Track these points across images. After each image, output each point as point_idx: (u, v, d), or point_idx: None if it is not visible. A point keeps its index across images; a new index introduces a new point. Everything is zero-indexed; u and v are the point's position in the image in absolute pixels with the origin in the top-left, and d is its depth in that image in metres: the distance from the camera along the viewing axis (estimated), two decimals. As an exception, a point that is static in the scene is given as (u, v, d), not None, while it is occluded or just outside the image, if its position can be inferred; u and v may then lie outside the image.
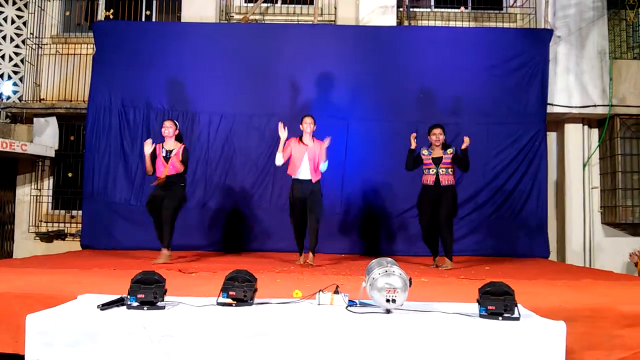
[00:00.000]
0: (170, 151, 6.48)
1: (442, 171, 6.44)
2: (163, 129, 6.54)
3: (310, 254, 6.52)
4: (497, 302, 3.04)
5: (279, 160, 6.50)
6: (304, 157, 6.47)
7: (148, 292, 3.10)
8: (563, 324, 2.94)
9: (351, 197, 8.19)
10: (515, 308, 3.04)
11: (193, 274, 5.22)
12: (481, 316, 3.06)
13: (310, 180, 6.49)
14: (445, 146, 6.54)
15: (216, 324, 2.97)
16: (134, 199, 8.22)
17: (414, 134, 6.57)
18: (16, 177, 9.50)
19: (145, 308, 3.08)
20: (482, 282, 4.57)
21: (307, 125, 6.52)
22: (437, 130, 6.53)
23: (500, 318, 3.02)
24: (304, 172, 6.49)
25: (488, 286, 3.11)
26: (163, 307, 3.11)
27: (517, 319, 3.01)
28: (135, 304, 3.09)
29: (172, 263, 6.26)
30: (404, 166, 6.63)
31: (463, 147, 6.28)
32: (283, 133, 6.43)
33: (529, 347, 2.88)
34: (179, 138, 6.64)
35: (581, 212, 8.88)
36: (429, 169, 6.51)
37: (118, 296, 3.22)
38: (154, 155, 6.46)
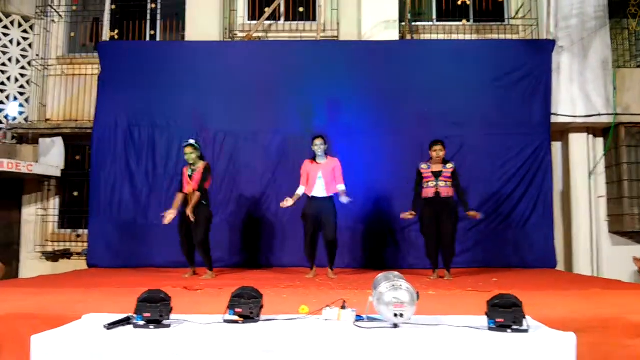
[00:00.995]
0: (194, 170, 6.68)
1: (442, 184, 6.53)
2: (185, 156, 6.73)
3: (329, 269, 6.83)
4: (506, 315, 3.00)
5: (301, 191, 6.78)
6: (318, 176, 6.68)
7: (154, 310, 3.07)
8: (573, 335, 2.90)
9: (356, 211, 8.15)
10: (524, 320, 3.01)
11: (199, 290, 5.20)
12: (490, 329, 3.03)
13: (325, 198, 6.69)
14: (444, 161, 6.62)
15: (223, 342, 2.94)
16: (140, 217, 8.22)
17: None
18: (22, 197, 9.54)
19: (151, 327, 3.06)
20: (490, 294, 4.55)
21: (317, 147, 6.75)
22: (438, 147, 6.60)
23: (509, 330, 2.98)
24: (317, 189, 6.71)
25: (496, 298, 3.08)
26: (169, 326, 3.09)
27: (526, 331, 2.98)
28: (141, 323, 3.07)
29: (178, 280, 6.26)
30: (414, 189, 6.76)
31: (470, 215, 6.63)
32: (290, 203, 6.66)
33: (539, 359, 2.85)
34: (201, 157, 6.84)
35: (588, 221, 8.82)
36: (429, 181, 6.59)
37: (124, 315, 3.21)
38: (181, 177, 6.78)
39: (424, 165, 6.66)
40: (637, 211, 8.55)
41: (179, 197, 6.70)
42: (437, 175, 6.55)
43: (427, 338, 2.96)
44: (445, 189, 6.53)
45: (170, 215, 6.53)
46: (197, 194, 6.53)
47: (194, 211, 6.47)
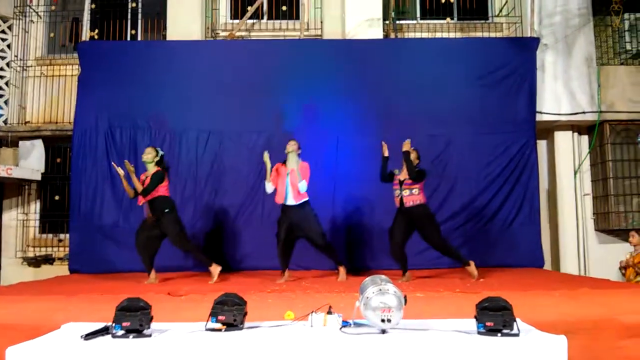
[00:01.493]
0: (147, 177, 6.49)
1: (406, 192, 6.38)
2: (142, 155, 6.58)
3: (341, 270, 6.69)
4: (496, 318, 2.94)
5: (269, 188, 6.59)
6: (287, 182, 6.48)
7: (134, 319, 2.97)
8: (564, 338, 2.85)
9: (342, 212, 8.10)
10: (515, 323, 2.95)
11: (182, 296, 5.09)
12: (479, 333, 2.97)
13: (295, 206, 6.49)
14: None
15: (205, 351, 2.86)
16: (122, 220, 8.08)
17: (384, 143, 6.53)
18: (2, 201, 9.35)
19: (131, 337, 2.96)
20: (478, 295, 4.52)
21: (289, 146, 6.55)
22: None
23: (499, 334, 2.92)
24: (288, 197, 6.53)
25: (485, 302, 3.02)
26: (149, 335, 3.00)
27: (517, 334, 2.92)
28: (120, 332, 2.97)
29: (161, 285, 6.16)
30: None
31: (403, 149, 6.33)
32: (268, 162, 6.46)
33: (530, 363, 2.79)
34: (159, 163, 6.59)
35: (574, 219, 8.85)
36: (395, 189, 6.51)
37: (102, 324, 3.10)
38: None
39: (396, 171, 6.57)
40: (623, 209, 8.58)
41: (128, 188, 6.53)
42: (401, 183, 6.43)
43: (415, 343, 2.89)
44: (410, 197, 6.36)
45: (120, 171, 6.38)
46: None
47: (162, 220, 6.41)
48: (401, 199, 6.40)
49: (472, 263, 6.53)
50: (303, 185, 6.43)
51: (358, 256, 8.05)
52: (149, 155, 6.51)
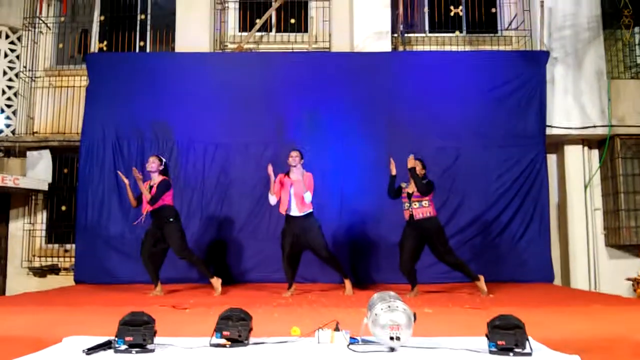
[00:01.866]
0: (152, 185, 6.47)
1: (415, 205, 6.29)
2: (146, 164, 6.53)
3: (347, 283, 6.64)
4: (507, 337, 2.87)
5: (272, 200, 6.55)
6: (290, 192, 6.45)
7: (137, 334, 2.92)
8: (578, 358, 2.77)
9: (349, 226, 8.03)
10: (527, 342, 2.87)
11: (187, 309, 5.03)
12: (491, 352, 2.89)
13: (300, 217, 6.45)
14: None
15: (209, 367, 2.80)
16: (128, 232, 8.04)
17: (392, 160, 6.44)
18: (9, 211, 9.33)
19: (133, 352, 2.90)
20: (488, 311, 4.45)
21: (292, 159, 6.50)
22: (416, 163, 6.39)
23: (511, 354, 2.85)
24: (292, 208, 6.48)
25: (497, 320, 2.94)
26: (152, 350, 2.94)
27: (530, 354, 2.84)
28: (123, 347, 2.92)
29: (166, 298, 6.11)
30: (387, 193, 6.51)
31: (409, 166, 6.26)
32: (272, 174, 6.42)
33: (543, 384, 2.71)
34: (164, 172, 6.59)
35: (584, 234, 8.73)
36: (404, 203, 6.42)
37: (105, 339, 3.04)
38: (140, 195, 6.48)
39: (403, 184, 6.48)
40: (634, 224, 8.46)
41: (132, 201, 6.59)
42: (409, 196, 6.34)
43: (425, 362, 2.82)
44: (420, 210, 6.27)
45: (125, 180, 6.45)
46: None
47: (165, 229, 6.41)
48: (411, 213, 6.32)
49: (481, 278, 6.45)
50: (308, 196, 6.38)
51: (364, 269, 7.97)
52: (153, 165, 6.49)
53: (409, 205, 6.34)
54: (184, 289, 7.02)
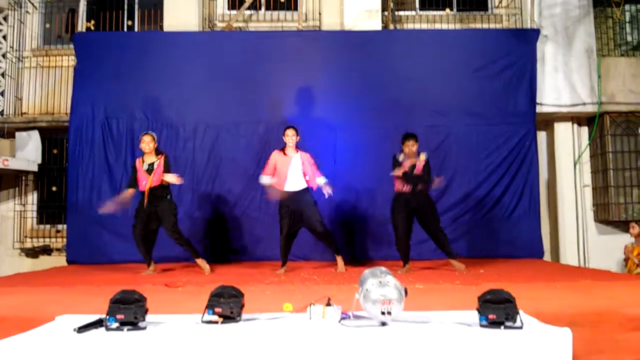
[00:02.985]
0: (152, 164, 6.38)
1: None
2: (142, 144, 6.41)
3: (339, 260, 6.64)
4: (498, 311, 2.89)
5: (266, 180, 6.52)
6: (289, 169, 6.45)
7: (128, 312, 2.91)
8: (569, 331, 2.80)
9: (341, 205, 8.04)
10: (517, 316, 2.90)
11: (179, 288, 5.04)
12: (482, 326, 2.91)
13: (299, 191, 6.46)
14: (418, 153, 6.44)
15: (201, 344, 2.80)
16: (119, 212, 8.00)
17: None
18: (-1, 192, 9.30)
19: (125, 329, 2.90)
20: (479, 286, 4.48)
21: (290, 137, 6.50)
22: (410, 142, 6.39)
23: (502, 327, 2.87)
24: (290, 183, 6.47)
25: (488, 294, 2.96)
26: (144, 328, 2.94)
27: (520, 327, 2.86)
28: (114, 325, 2.91)
29: (159, 276, 6.12)
30: (391, 171, 6.46)
31: (434, 186, 6.44)
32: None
33: (534, 356, 2.74)
34: (157, 151, 6.51)
35: (574, 211, 8.80)
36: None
37: (96, 317, 3.04)
38: (134, 171, 6.42)
39: (401, 157, 6.44)
40: (623, 200, 8.53)
41: (128, 193, 6.46)
42: (412, 170, 6.33)
43: (416, 336, 2.84)
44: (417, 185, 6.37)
45: (109, 207, 6.39)
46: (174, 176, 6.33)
47: (160, 207, 6.35)
48: (414, 185, 6.31)
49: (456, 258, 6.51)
50: (323, 179, 6.49)
51: (357, 247, 8.02)
52: (150, 144, 6.39)
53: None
54: (176, 268, 7.02)
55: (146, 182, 6.31)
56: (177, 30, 8.73)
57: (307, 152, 6.64)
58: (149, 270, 6.52)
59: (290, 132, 6.52)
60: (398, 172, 6.26)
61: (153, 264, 6.59)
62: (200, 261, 6.56)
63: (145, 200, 6.34)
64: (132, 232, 6.51)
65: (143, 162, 6.41)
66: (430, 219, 6.39)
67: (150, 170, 6.34)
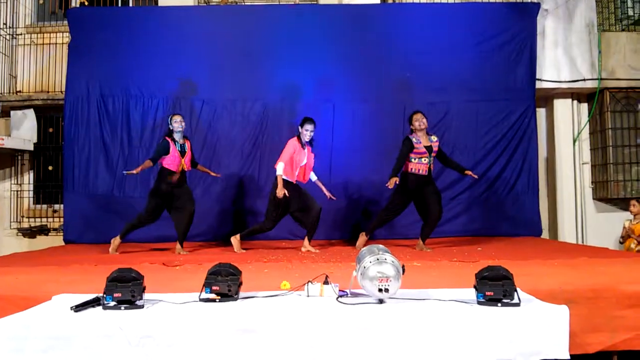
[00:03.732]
0: (182, 145, 6.36)
1: (432, 160, 6.29)
2: (176, 124, 6.30)
3: (308, 242, 6.53)
4: (496, 288, 2.89)
5: (282, 168, 6.22)
6: (303, 162, 6.33)
7: (125, 290, 2.91)
8: (566, 308, 2.80)
9: (339, 182, 7.98)
10: (515, 293, 2.89)
11: (177, 267, 5.03)
12: (479, 303, 2.91)
13: (302, 184, 6.43)
14: (427, 134, 6.37)
15: (199, 322, 2.81)
16: (116, 190, 7.99)
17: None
18: (-5, 172, 9.25)
19: (122, 308, 2.90)
20: (476, 264, 4.48)
21: (309, 133, 6.29)
22: (419, 115, 6.28)
23: (499, 304, 2.87)
24: (300, 176, 6.38)
25: (485, 271, 2.96)
26: (142, 306, 2.93)
27: (518, 304, 2.87)
28: (111, 303, 2.91)
29: (156, 255, 6.10)
30: (394, 165, 6.25)
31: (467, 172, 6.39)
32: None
33: (531, 333, 2.76)
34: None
35: (572, 188, 8.77)
36: (422, 157, 6.22)
37: (94, 296, 3.03)
38: (167, 148, 6.24)
39: (414, 139, 6.25)
40: (622, 177, 8.50)
41: (147, 165, 6.25)
42: (429, 150, 6.24)
43: (413, 313, 2.85)
44: (433, 166, 6.36)
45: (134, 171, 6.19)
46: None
47: (183, 189, 6.38)
48: (429, 167, 6.26)
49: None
50: (313, 176, 6.57)
51: (356, 225, 7.98)
52: (183, 123, 6.39)
53: (428, 159, 6.22)
54: (174, 248, 6.98)
55: (179, 164, 6.29)
56: (173, 5, 8.62)
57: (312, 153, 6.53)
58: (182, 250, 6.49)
59: (310, 127, 6.27)
60: (390, 184, 6.05)
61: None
62: (178, 247, 6.45)
63: (176, 180, 6.31)
64: (145, 209, 6.43)
65: (176, 142, 6.32)
66: (434, 197, 6.33)
67: (182, 152, 6.33)
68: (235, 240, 6.58)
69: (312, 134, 6.31)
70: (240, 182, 8.12)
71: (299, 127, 6.38)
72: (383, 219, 6.60)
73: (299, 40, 8.16)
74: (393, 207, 6.51)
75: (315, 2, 9.05)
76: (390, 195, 6.65)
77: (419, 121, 6.25)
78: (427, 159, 6.22)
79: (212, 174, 6.82)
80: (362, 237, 6.69)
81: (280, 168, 6.19)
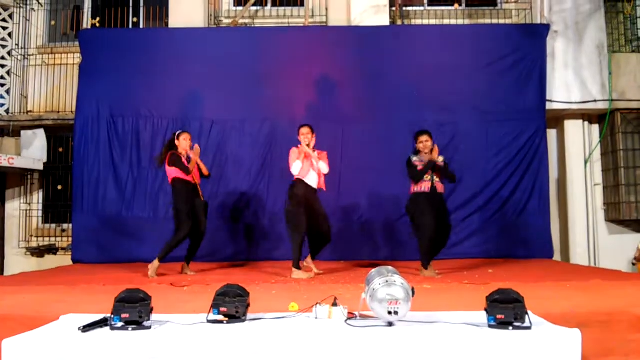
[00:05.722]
0: (188, 156, 6.36)
1: (436, 178, 6.12)
2: (184, 142, 6.33)
3: (312, 262, 6.38)
4: (507, 311, 2.83)
5: (299, 166, 6.11)
6: (315, 167, 6.20)
7: (133, 311, 2.88)
8: (578, 332, 2.74)
9: (348, 203, 7.98)
10: (526, 316, 2.84)
11: (185, 287, 5.01)
12: (490, 326, 2.86)
13: (316, 190, 6.25)
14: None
15: (206, 343, 2.77)
16: (125, 210, 8.01)
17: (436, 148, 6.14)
18: (5, 191, 9.28)
19: (130, 329, 2.87)
20: (487, 286, 4.43)
21: (305, 136, 6.18)
22: (424, 138, 6.17)
23: (510, 327, 2.82)
24: (311, 179, 6.18)
25: (496, 294, 2.91)
26: (149, 327, 2.90)
27: (529, 328, 2.81)
28: (119, 324, 2.88)
29: (164, 275, 6.07)
30: (413, 179, 6.16)
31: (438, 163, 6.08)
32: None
33: (542, 357, 2.70)
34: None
35: (584, 210, 8.69)
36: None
37: (101, 316, 3.01)
38: (180, 159, 6.25)
39: (415, 158, 6.19)
40: (634, 199, 8.41)
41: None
42: (432, 169, 6.10)
43: (423, 337, 2.80)
44: (439, 185, 6.13)
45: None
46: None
47: (201, 204, 6.36)
48: (432, 185, 6.09)
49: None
50: (325, 167, 6.28)
51: (365, 246, 7.94)
52: (189, 140, 6.42)
53: (430, 177, 6.08)
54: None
55: (194, 176, 6.34)
56: (183, 27, 8.69)
57: (324, 151, 6.41)
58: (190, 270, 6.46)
59: (304, 131, 6.21)
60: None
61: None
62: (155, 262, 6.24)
63: (200, 193, 6.43)
64: (179, 232, 6.23)
65: (180, 154, 6.32)
66: (444, 219, 6.14)
67: (188, 161, 6.32)
68: (308, 264, 6.40)
69: (308, 137, 6.18)
70: (248, 201, 8.11)
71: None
72: (430, 245, 6.13)
73: (307, 61, 8.21)
74: (425, 228, 6.09)
75: (324, 24, 9.10)
76: (416, 224, 6.27)
77: (423, 144, 6.16)
78: (428, 177, 6.09)
79: (205, 171, 6.57)
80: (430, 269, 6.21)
81: (294, 166, 6.12)
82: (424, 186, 6.11)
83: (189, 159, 6.30)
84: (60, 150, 9.33)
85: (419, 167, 6.11)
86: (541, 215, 8.08)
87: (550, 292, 4.29)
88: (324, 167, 6.26)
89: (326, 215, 6.29)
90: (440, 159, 6.21)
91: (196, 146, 6.39)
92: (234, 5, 9.41)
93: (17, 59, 9.31)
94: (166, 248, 6.19)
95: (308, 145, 6.18)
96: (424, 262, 6.12)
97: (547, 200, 8.18)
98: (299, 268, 5.96)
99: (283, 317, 3.18)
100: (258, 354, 2.74)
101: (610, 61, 8.50)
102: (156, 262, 6.14)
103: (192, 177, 6.32)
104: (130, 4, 9.50)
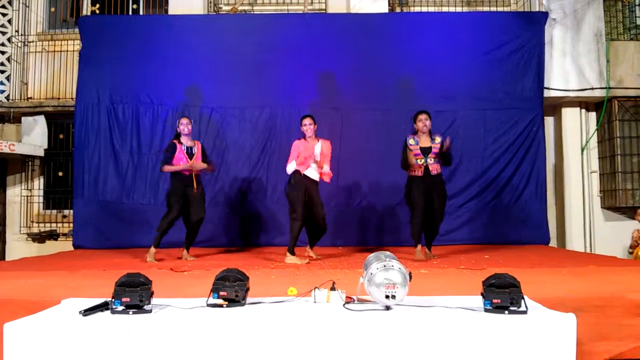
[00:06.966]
0: (190, 147, 6.35)
1: (431, 161, 6.12)
2: (182, 127, 6.28)
3: (311, 248, 6.51)
4: (503, 295, 2.87)
5: (293, 166, 6.15)
6: (312, 156, 6.18)
7: (133, 295, 2.92)
8: (573, 316, 2.79)
9: (347, 189, 8.04)
10: (522, 300, 2.88)
11: (185, 272, 5.06)
12: (486, 310, 2.90)
13: (315, 181, 6.26)
14: (431, 135, 6.25)
15: (206, 327, 2.81)
16: (125, 196, 8.05)
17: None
18: (6, 177, 9.32)
19: (130, 312, 2.90)
20: (484, 271, 4.48)
21: (307, 127, 6.21)
22: (423, 116, 6.19)
23: (506, 312, 2.86)
24: (311, 170, 6.19)
25: (492, 278, 2.95)
26: (150, 311, 2.94)
27: (525, 312, 2.85)
28: (120, 308, 2.92)
29: (164, 261, 6.12)
30: (400, 165, 6.29)
31: (445, 148, 6.04)
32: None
33: (537, 341, 2.73)
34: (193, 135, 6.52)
35: (580, 196, 8.74)
36: (417, 159, 6.15)
37: (102, 300, 3.05)
38: (173, 150, 6.24)
39: (411, 141, 6.21)
40: (630, 186, 8.47)
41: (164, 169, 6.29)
42: (426, 152, 6.14)
43: (420, 320, 2.83)
44: (435, 166, 6.13)
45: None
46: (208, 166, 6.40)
47: (199, 193, 6.32)
48: (426, 167, 6.12)
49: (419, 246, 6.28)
50: (326, 168, 6.26)
51: (364, 232, 8.00)
52: (189, 126, 6.35)
53: (424, 160, 6.12)
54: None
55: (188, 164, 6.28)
56: (182, 13, 8.69)
57: (327, 140, 6.41)
58: (188, 255, 6.48)
59: (307, 122, 6.23)
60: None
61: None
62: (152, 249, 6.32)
63: (195, 184, 6.30)
64: (168, 214, 6.28)
65: (182, 144, 6.30)
66: (441, 203, 6.19)
67: (190, 154, 6.30)
68: (308, 253, 6.50)
69: (310, 127, 6.21)
70: (248, 188, 8.15)
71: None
72: (416, 223, 6.22)
73: (307, 48, 8.23)
74: (413, 207, 6.23)
75: (323, 12, 9.09)
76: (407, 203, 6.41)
77: (422, 122, 6.18)
78: (422, 160, 6.13)
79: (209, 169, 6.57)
80: (419, 249, 6.30)
81: (288, 167, 6.17)
82: (418, 170, 6.16)
83: (188, 150, 6.30)
84: (61, 136, 9.36)
85: (414, 152, 6.15)
86: (538, 202, 8.15)
87: (546, 277, 4.34)
88: (327, 178, 6.32)
89: (323, 205, 6.32)
90: (437, 140, 6.19)
91: (196, 163, 6.32)
92: (234, -8, 9.40)
93: (17, 46, 9.31)
94: (157, 233, 6.28)
95: (307, 136, 6.24)
96: (414, 241, 6.24)
97: (544, 187, 8.24)
98: (293, 254, 6.02)
99: (282, 301, 3.22)
100: (257, 337, 2.78)
101: (608, 49, 8.51)
102: (152, 249, 6.22)
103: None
104: (130, -9, 9.49)
